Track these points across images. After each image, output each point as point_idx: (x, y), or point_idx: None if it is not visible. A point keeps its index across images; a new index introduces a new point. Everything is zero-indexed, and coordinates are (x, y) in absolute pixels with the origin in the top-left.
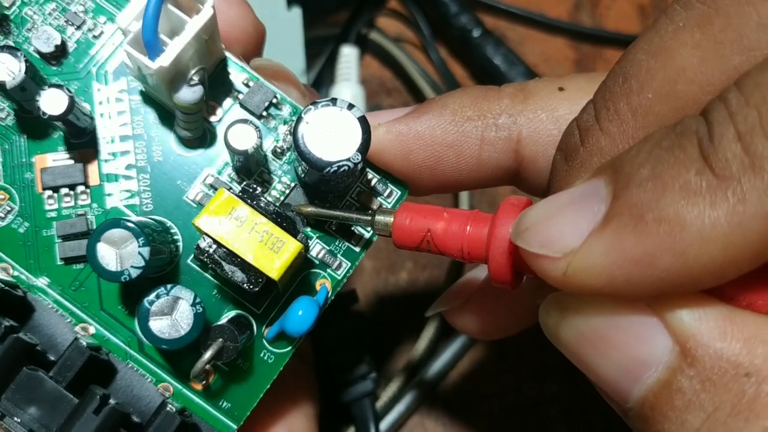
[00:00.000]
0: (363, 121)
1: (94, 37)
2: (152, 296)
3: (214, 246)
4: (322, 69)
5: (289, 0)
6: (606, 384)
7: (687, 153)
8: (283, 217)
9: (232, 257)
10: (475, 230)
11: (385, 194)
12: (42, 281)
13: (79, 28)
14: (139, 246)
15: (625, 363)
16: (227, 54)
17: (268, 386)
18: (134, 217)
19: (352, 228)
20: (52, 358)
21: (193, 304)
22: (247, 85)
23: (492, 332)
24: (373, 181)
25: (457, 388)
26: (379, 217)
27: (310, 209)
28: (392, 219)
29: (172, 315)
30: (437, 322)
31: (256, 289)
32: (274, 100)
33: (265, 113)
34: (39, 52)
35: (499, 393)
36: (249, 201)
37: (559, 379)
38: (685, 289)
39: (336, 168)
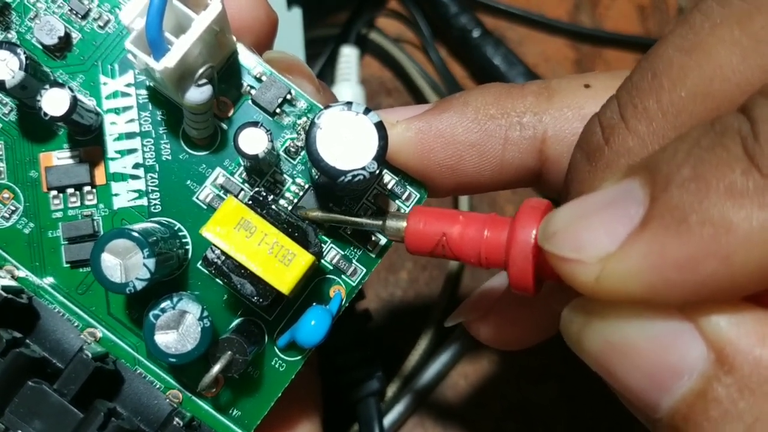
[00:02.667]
0: (380, 126)
1: (100, 26)
2: (158, 310)
3: (223, 257)
4: (322, 69)
5: (289, 0)
6: (633, 394)
7: (730, 152)
8: (294, 227)
9: (241, 269)
10: (493, 234)
11: (404, 197)
12: (47, 282)
13: (84, 17)
14: (144, 257)
15: (655, 372)
16: (239, 45)
17: (280, 394)
18: (140, 225)
19: (369, 233)
20: (60, 365)
21: (201, 318)
22: (259, 80)
23: (514, 342)
24: (391, 184)
25: (457, 389)
26: (390, 222)
27: (318, 214)
28: (405, 224)
29: (179, 329)
30: (437, 322)
31: (266, 303)
32: (288, 96)
33: (278, 110)
34: (42, 45)
35: (499, 393)
36: (259, 210)
37: (560, 380)
38: (727, 295)
39: (351, 177)
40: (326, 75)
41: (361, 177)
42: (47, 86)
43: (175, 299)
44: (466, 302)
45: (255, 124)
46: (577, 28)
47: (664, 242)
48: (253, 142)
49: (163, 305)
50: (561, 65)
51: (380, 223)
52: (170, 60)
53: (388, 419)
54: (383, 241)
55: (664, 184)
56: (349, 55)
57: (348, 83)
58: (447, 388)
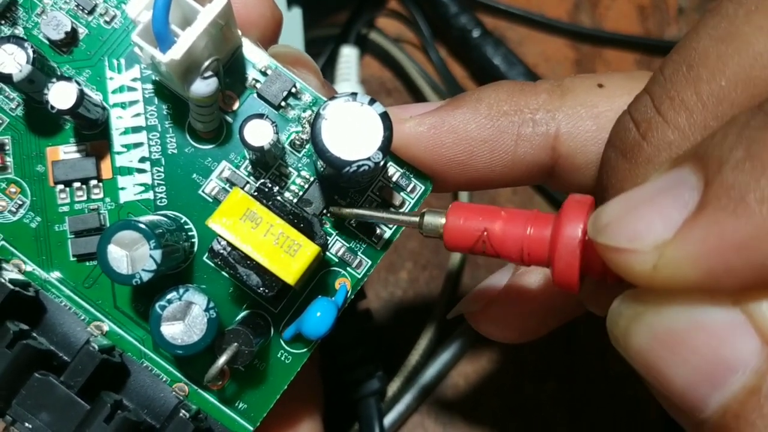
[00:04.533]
0: (385, 117)
1: (106, 22)
2: (164, 301)
3: (228, 248)
4: (322, 69)
5: (289, 0)
6: (680, 392)
7: None
8: (300, 218)
9: (247, 260)
10: (537, 230)
11: (408, 189)
12: (54, 275)
13: (90, 12)
14: (151, 249)
15: (706, 367)
16: (244, 40)
17: (286, 387)
18: (147, 217)
19: (374, 225)
20: (66, 359)
21: (207, 309)
22: (264, 73)
23: (514, 336)
24: (395, 176)
25: (457, 388)
26: (429, 218)
27: (351, 211)
28: (443, 220)
29: (185, 320)
30: (437, 321)
31: (272, 293)
32: (293, 90)
33: (283, 103)
34: (49, 40)
35: (499, 392)
36: (264, 201)
37: (560, 379)
38: None
39: (356, 168)
40: (326, 75)
41: (367, 167)
42: (54, 80)
43: (181, 290)
44: (468, 296)
45: (260, 116)
46: (577, 28)
47: (722, 224)
48: (259, 134)
49: (169, 296)
50: (561, 65)
51: (417, 219)
52: (176, 52)
53: (389, 419)
54: (388, 233)
55: (717, 167)
56: (349, 55)
57: (348, 83)
58: (447, 387)
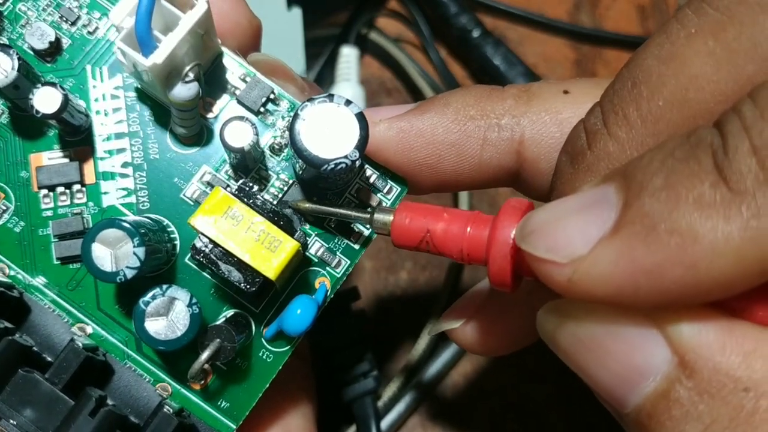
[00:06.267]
0: (361, 117)
1: (89, 32)
2: (148, 297)
3: (210, 245)
4: (322, 69)
5: (289, 0)
6: (603, 390)
7: (701, 165)
8: (280, 216)
9: (229, 257)
10: (475, 232)
11: (385, 191)
12: (39, 281)
13: (73, 23)
14: (134, 246)
15: (623, 371)
16: (223, 49)
17: (267, 385)
18: (130, 217)
19: (352, 225)
20: (49, 359)
21: (190, 305)
22: (244, 81)
23: (496, 349)
24: (372, 178)
25: (456, 388)
26: (378, 216)
27: (308, 205)
28: (392, 218)
29: (168, 316)
30: (437, 321)
31: (253, 288)
32: (272, 96)
33: (262, 109)
34: (33, 49)
35: (498, 393)
36: (245, 199)
37: (559, 379)
38: (692, 302)
39: (333, 165)
40: (326, 75)
41: (344, 165)
42: (39, 85)
43: (164, 287)
44: (447, 312)
45: (240, 118)
46: (577, 28)
47: (633, 248)
48: (239, 135)
49: (152, 292)
50: (561, 65)
51: (368, 216)
52: (159, 56)
53: (388, 419)
54: (366, 233)
55: (638, 192)
56: (349, 55)
57: (348, 83)
58: (447, 388)
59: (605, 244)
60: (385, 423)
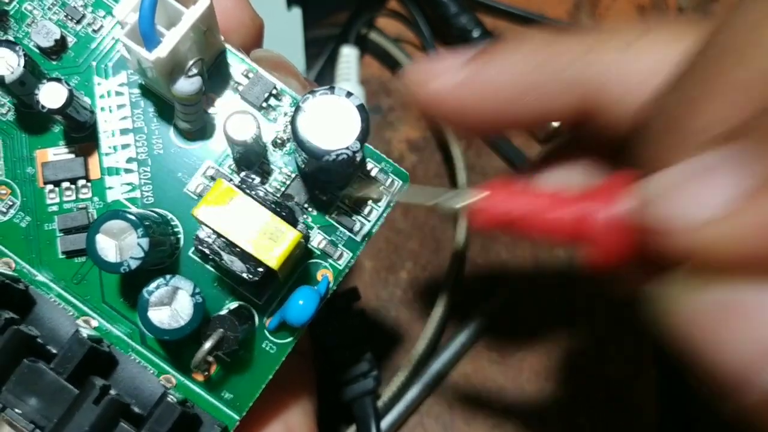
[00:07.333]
0: (362, 109)
1: (94, 31)
2: (152, 286)
3: (213, 236)
4: (322, 69)
5: (289, 0)
6: (728, 370)
7: None
8: (282, 207)
9: (232, 247)
10: (578, 207)
11: (387, 184)
12: (44, 277)
13: (78, 22)
14: (138, 237)
15: (763, 343)
16: (226, 46)
17: (271, 377)
18: (135, 210)
19: (353, 218)
20: (54, 351)
21: (193, 294)
22: (246, 77)
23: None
24: (374, 171)
25: (457, 388)
26: (464, 197)
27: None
28: (479, 196)
29: (172, 305)
30: (437, 322)
31: (256, 278)
32: (274, 91)
33: (265, 104)
34: (39, 47)
35: (499, 393)
36: (248, 191)
37: (559, 379)
38: None
39: (335, 156)
40: (326, 75)
41: (345, 156)
42: (45, 81)
43: (168, 276)
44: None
45: (243, 111)
46: (577, 28)
47: None
48: (242, 128)
49: (156, 282)
50: None
51: (452, 196)
52: (162, 50)
53: (388, 419)
54: (367, 226)
55: None
56: (349, 55)
57: (348, 83)
58: (447, 388)
59: (748, 198)
60: (386, 423)
